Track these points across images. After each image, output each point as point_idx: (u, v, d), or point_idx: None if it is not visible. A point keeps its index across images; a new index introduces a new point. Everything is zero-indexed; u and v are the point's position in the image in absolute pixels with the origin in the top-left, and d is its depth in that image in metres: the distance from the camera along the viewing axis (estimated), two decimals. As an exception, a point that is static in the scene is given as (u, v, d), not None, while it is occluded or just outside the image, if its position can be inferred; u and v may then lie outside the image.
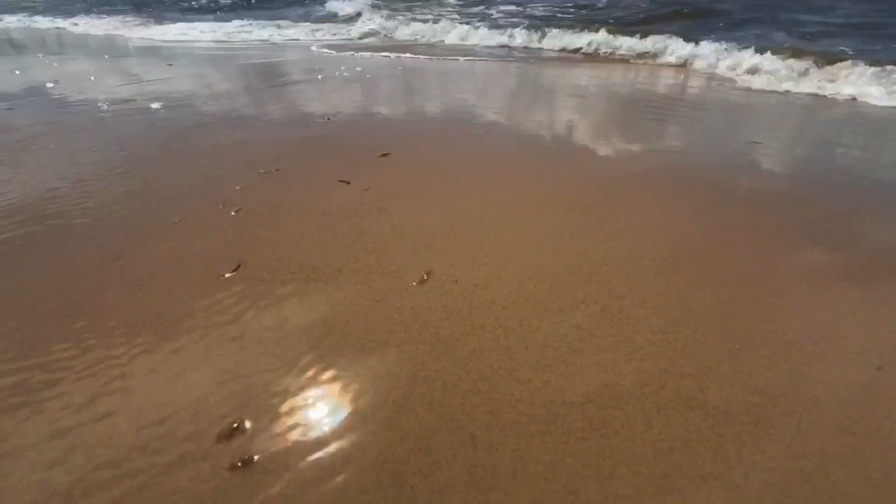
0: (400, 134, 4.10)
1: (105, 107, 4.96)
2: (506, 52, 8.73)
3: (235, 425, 1.38)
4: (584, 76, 6.66)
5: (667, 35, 7.67)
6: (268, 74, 6.98)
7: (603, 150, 3.65)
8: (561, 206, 2.68)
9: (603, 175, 3.14)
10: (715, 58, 6.92)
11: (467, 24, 10.43)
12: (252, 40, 10.97)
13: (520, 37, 9.38)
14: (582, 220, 2.52)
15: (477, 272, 2.08)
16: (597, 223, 2.49)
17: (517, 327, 1.75)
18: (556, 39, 8.91)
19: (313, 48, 9.72)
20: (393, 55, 8.67)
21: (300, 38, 11.13)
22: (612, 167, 3.29)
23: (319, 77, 6.53)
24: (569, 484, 1.21)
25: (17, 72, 6.83)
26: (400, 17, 11.80)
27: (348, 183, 2.99)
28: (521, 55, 8.46)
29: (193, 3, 16.73)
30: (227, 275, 2.08)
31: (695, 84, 6.13)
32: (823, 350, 1.65)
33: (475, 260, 2.17)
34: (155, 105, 5.02)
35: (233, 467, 1.27)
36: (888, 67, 5.55)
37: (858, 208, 2.68)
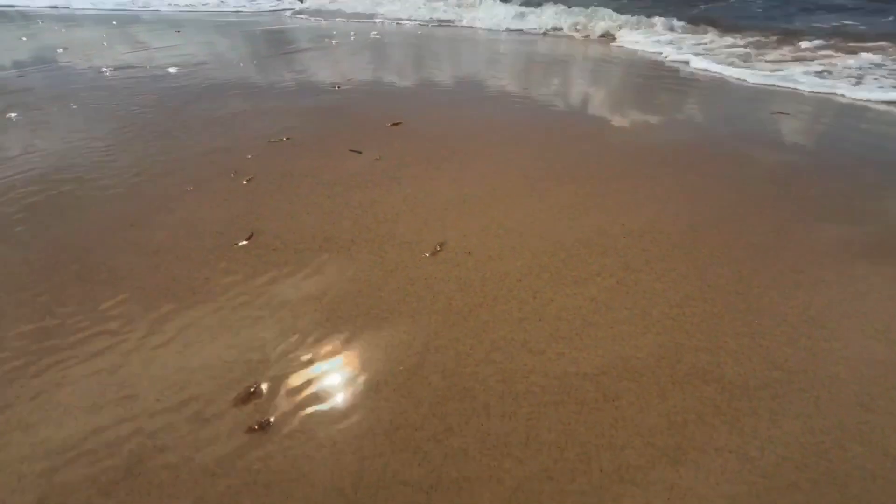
0: (411, 102, 4.00)
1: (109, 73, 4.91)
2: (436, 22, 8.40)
3: (252, 389, 1.40)
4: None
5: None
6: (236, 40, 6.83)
7: (618, 121, 3.54)
8: (576, 178, 2.61)
9: (620, 147, 3.05)
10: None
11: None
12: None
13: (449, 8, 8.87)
14: (598, 193, 2.46)
15: (490, 244, 2.06)
16: (614, 196, 2.43)
17: (531, 299, 1.73)
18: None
19: (286, 13, 9.51)
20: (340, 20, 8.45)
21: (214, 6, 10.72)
22: (630, 139, 3.19)
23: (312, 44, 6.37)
24: (582, 453, 1.22)
25: None
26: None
27: (360, 153, 2.94)
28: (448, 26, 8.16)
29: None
30: (240, 243, 2.08)
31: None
32: (845, 326, 1.61)
33: (488, 232, 2.14)
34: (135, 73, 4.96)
35: (250, 429, 1.29)
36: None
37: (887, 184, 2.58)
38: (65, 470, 1.21)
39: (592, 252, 1.99)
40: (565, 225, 2.18)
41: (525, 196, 2.43)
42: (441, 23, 8.47)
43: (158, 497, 1.15)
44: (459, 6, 8.88)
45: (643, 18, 7.00)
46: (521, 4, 8.36)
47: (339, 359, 1.51)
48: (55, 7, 10.68)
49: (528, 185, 2.54)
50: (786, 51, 5.61)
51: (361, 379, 1.44)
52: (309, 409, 1.35)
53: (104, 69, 5.11)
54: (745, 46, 5.78)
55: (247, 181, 2.62)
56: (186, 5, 10.89)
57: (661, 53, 5.74)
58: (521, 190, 2.50)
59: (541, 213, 2.28)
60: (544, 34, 7.29)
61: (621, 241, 2.06)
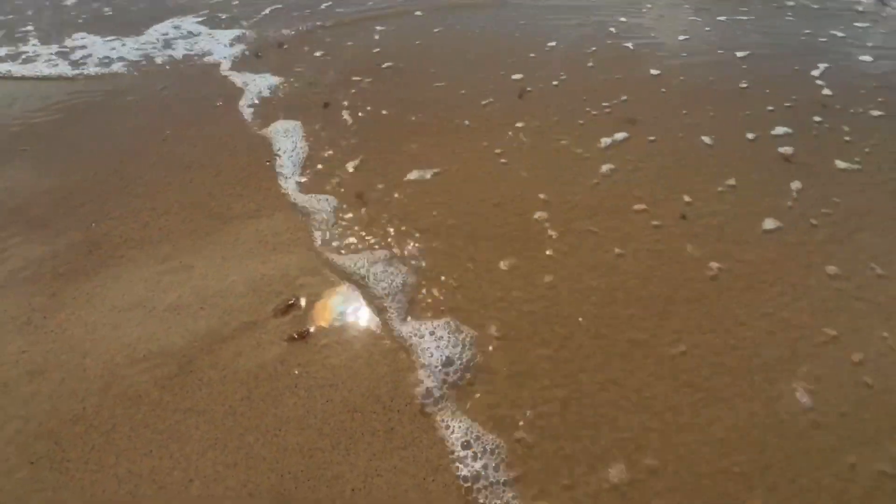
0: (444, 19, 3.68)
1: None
2: None
3: (291, 302, 1.44)
4: None
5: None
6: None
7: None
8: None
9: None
10: None
11: None
12: None
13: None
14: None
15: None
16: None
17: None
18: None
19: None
20: None
21: None
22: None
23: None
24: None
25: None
26: None
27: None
28: None
29: None
30: (269, 162, 2.06)
31: None
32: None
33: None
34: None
35: (290, 339, 1.34)
36: None
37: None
38: (124, 364, 1.30)
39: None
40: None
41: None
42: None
43: (209, 393, 1.23)
44: None
45: None
46: None
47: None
48: None
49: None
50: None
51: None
52: (345, 323, 1.39)
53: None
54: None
55: (275, 98, 2.53)
56: None
57: None
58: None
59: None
60: None
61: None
